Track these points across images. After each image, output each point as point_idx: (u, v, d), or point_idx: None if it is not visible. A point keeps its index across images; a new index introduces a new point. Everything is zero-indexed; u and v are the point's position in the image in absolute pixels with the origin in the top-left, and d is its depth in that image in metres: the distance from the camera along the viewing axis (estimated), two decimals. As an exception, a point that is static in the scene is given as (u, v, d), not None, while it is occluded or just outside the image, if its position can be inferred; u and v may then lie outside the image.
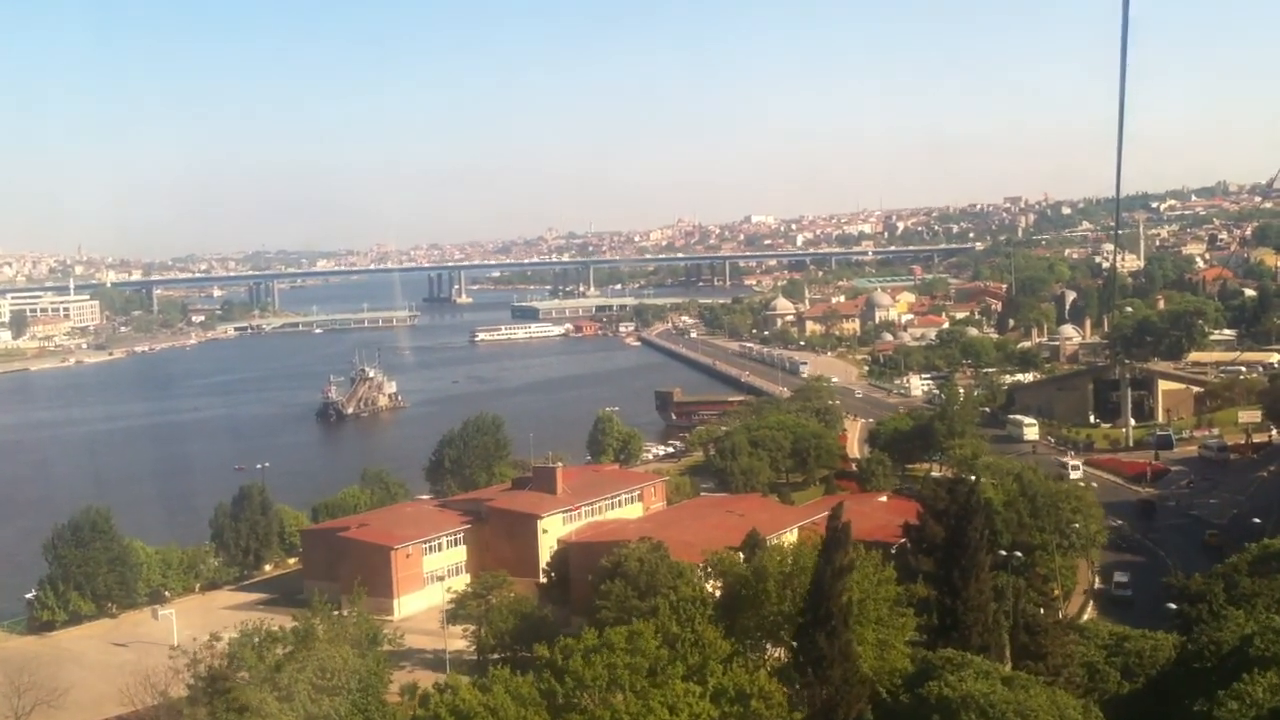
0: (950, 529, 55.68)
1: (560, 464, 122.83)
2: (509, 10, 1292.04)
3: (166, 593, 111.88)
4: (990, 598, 55.50)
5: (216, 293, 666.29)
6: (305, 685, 71.74)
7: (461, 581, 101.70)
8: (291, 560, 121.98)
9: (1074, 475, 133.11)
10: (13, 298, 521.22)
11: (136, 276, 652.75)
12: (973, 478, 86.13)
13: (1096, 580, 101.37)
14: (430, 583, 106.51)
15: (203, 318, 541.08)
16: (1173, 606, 73.41)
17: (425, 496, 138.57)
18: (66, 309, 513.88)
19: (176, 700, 71.94)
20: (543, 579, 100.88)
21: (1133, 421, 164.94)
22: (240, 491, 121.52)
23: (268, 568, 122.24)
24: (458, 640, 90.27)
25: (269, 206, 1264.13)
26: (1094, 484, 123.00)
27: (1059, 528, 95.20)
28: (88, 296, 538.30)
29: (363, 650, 78.18)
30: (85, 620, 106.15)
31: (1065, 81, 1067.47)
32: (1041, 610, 56.57)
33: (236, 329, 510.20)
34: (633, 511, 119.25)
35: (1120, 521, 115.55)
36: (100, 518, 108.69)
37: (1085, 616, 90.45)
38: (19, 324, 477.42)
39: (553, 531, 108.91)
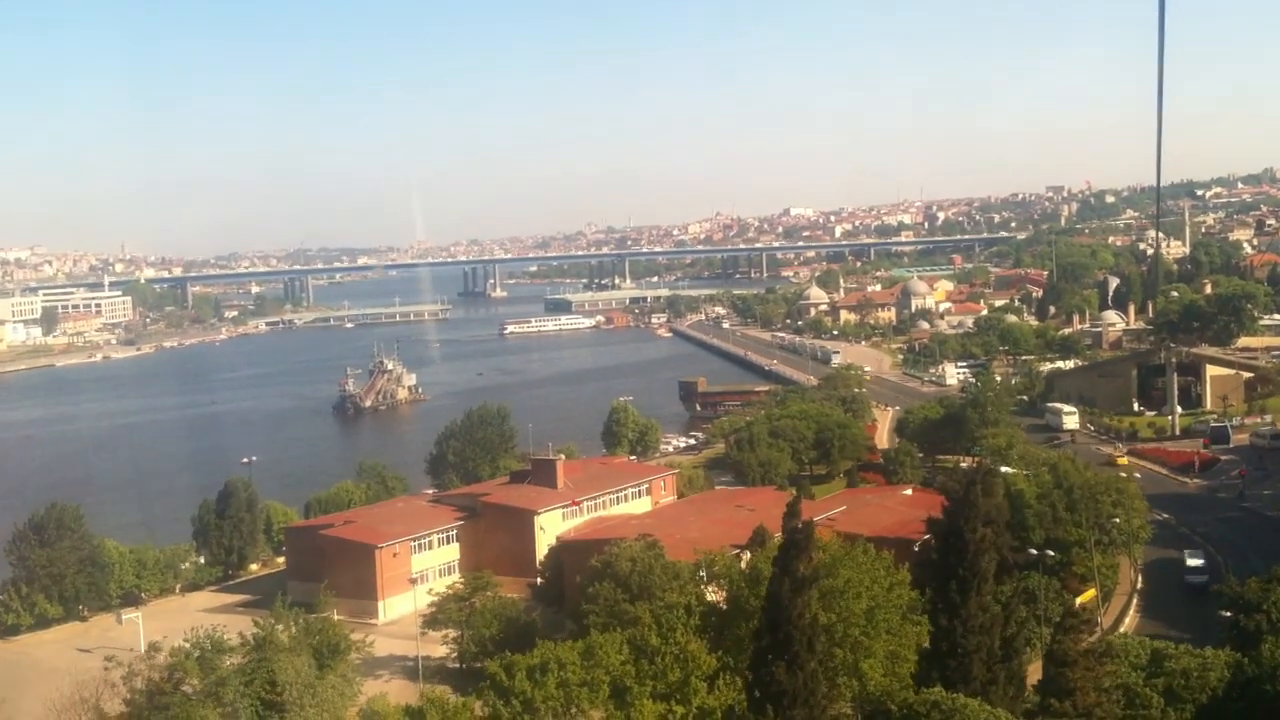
0: (944, 529, 45.69)
1: (562, 456, 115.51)
2: (545, 6, 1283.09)
3: (143, 594, 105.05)
4: (997, 616, 45.36)
5: (255, 289, 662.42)
6: (252, 701, 64.99)
7: (450, 583, 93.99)
8: (280, 559, 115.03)
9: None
10: (45, 294, 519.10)
11: (177, 274, 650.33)
12: (977, 462, 77.76)
13: (1140, 580, 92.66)
14: (419, 583, 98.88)
15: (235, 313, 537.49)
16: (1226, 614, 64.45)
17: (429, 491, 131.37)
18: (98, 305, 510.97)
19: (114, 717, 65.34)
20: (543, 580, 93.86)
21: (1179, 409, 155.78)
22: (225, 487, 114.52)
23: (254, 567, 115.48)
24: (441, 647, 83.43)
25: (313, 206, 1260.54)
26: (1137, 475, 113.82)
27: (1098, 522, 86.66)
28: (120, 293, 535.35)
29: (324, 660, 71.20)
30: (54, 624, 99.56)
31: (1107, 69, 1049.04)
32: (1069, 634, 46.58)
33: (268, 324, 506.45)
34: (640, 506, 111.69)
35: (1166, 515, 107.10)
36: (69, 515, 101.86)
37: (1128, 620, 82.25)
38: (50, 320, 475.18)
39: (551, 528, 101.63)
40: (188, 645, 69.51)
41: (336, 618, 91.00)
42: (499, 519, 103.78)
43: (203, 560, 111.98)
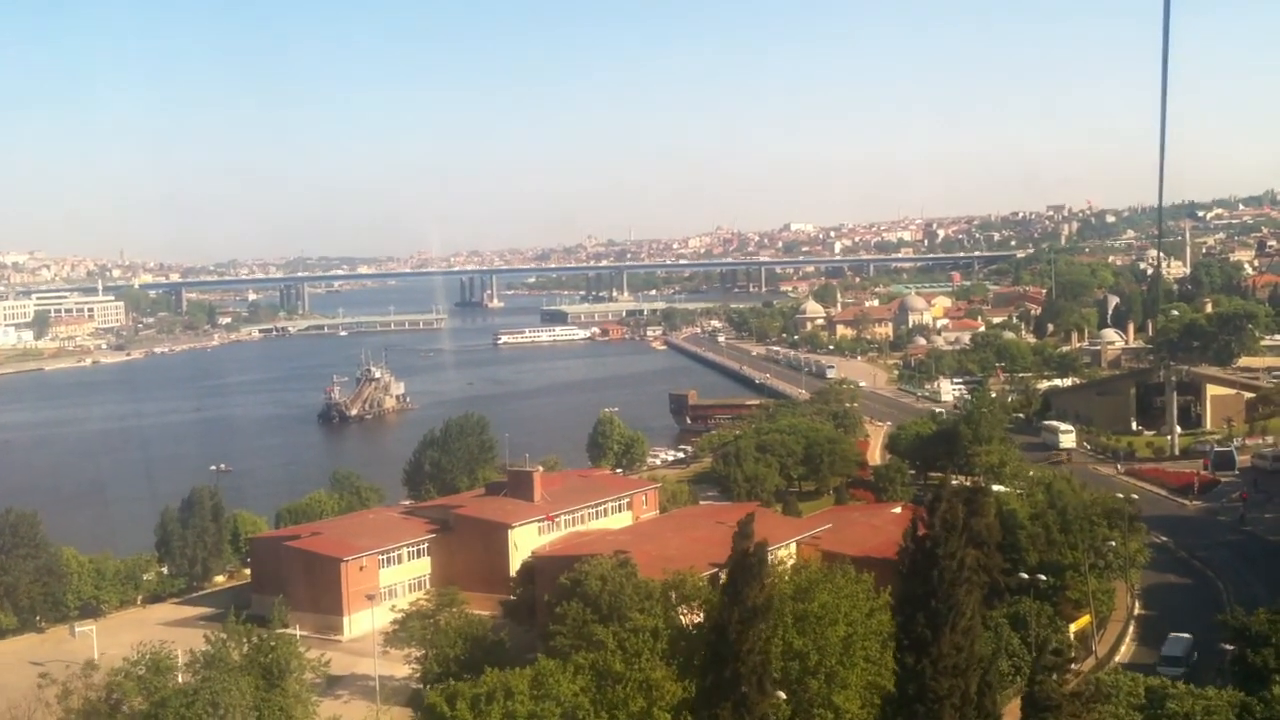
0: (911, 555, 40.73)
1: (539, 468, 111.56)
2: (551, 18, 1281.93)
3: (102, 606, 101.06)
4: (974, 656, 39.89)
5: (252, 296, 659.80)
6: (192, 723, 61.09)
7: (413, 599, 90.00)
8: (248, 571, 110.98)
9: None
10: (38, 298, 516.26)
11: (175, 280, 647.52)
12: (942, 478, 73.84)
13: (1137, 606, 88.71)
14: (388, 598, 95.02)
15: (229, 320, 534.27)
16: (1228, 647, 60.15)
17: (407, 502, 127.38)
18: (91, 310, 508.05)
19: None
20: (513, 597, 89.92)
21: (1179, 429, 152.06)
22: (189, 495, 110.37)
23: (219, 579, 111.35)
24: (404, 666, 79.56)
25: (313, 216, 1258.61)
26: (1134, 495, 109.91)
27: (1093, 545, 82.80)
28: (113, 298, 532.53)
29: (274, 679, 67.37)
30: (10, 635, 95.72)
31: (1109, 90, 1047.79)
32: (1054, 672, 41.98)
33: (261, 331, 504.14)
34: (620, 521, 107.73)
35: (1164, 538, 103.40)
36: (24, 522, 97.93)
37: (1123, 649, 78.47)
38: (42, 324, 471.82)
39: (526, 543, 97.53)
40: (127, 663, 65.65)
41: (300, 633, 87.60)
42: (472, 532, 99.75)
43: (165, 571, 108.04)
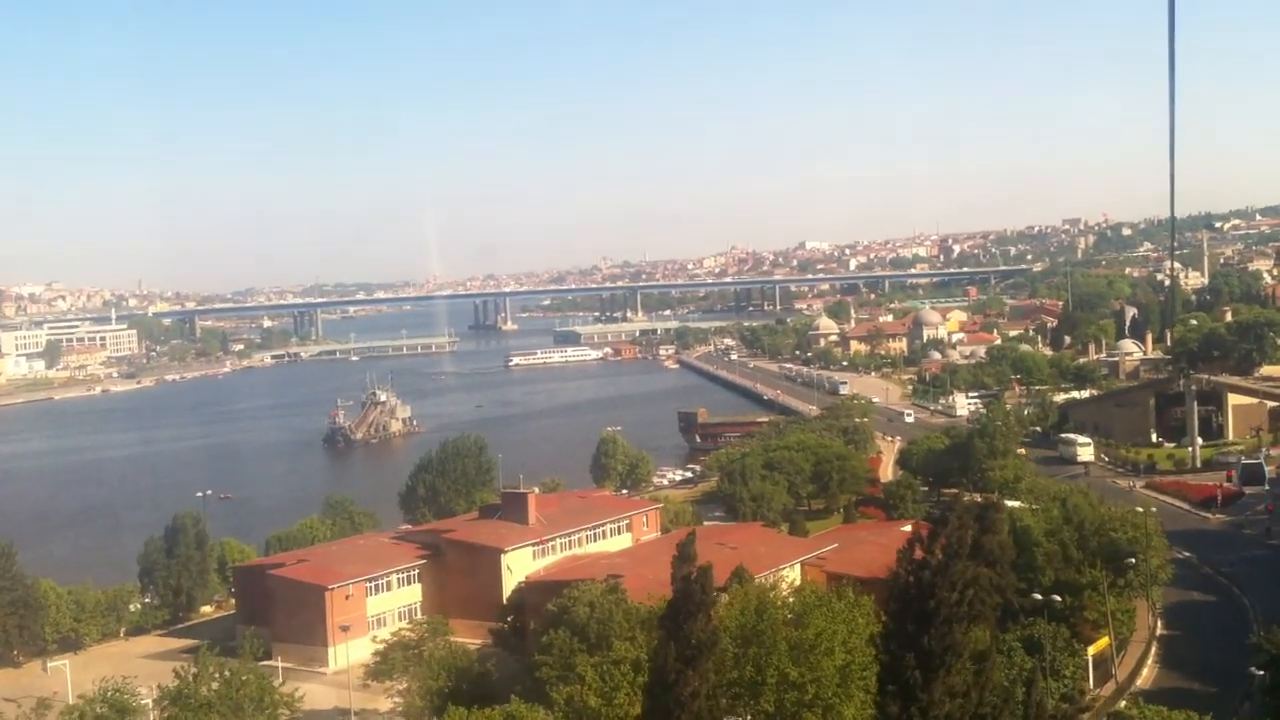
0: (903, 583, 35.04)
1: (535, 489, 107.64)
2: (564, 41, 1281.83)
3: (84, 638, 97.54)
4: (971, 707, 33.94)
5: (266, 323, 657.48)
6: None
7: (396, 629, 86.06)
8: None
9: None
10: (51, 328, 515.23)
11: (190, 307, 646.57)
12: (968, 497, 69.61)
13: (1159, 625, 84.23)
14: (376, 627, 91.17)
15: (241, 346, 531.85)
16: (1259, 672, 55.63)
17: (405, 527, 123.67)
18: (103, 339, 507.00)
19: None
20: (503, 625, 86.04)
21: (1200, 440, 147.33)
22: (173, 522, 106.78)
23: (206, 609, 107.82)
24: (387, 700, 75.77)
25: (330, 243, 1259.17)
26: (1154, 509, 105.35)
27: (1112, 563, 78.38)
28: (125, 326, 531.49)
29: (244, 716, 63.74)
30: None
31: (1124, 103, 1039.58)
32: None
33: (274, 357, 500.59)
34: (620, 543, 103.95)
35: (1187, 554, 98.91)
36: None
37: (1145, 672, 74.09)
38: (53, 354, 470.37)
39: (520, 568, 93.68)
40: (83, 701, 62.10)
41: (283, 665, 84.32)
42: (463, 557, 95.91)
43: (148, 600, 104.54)
